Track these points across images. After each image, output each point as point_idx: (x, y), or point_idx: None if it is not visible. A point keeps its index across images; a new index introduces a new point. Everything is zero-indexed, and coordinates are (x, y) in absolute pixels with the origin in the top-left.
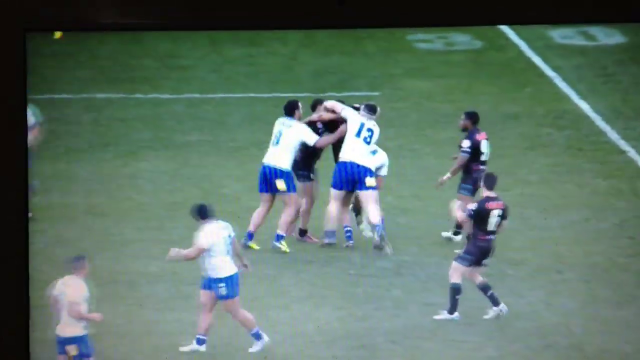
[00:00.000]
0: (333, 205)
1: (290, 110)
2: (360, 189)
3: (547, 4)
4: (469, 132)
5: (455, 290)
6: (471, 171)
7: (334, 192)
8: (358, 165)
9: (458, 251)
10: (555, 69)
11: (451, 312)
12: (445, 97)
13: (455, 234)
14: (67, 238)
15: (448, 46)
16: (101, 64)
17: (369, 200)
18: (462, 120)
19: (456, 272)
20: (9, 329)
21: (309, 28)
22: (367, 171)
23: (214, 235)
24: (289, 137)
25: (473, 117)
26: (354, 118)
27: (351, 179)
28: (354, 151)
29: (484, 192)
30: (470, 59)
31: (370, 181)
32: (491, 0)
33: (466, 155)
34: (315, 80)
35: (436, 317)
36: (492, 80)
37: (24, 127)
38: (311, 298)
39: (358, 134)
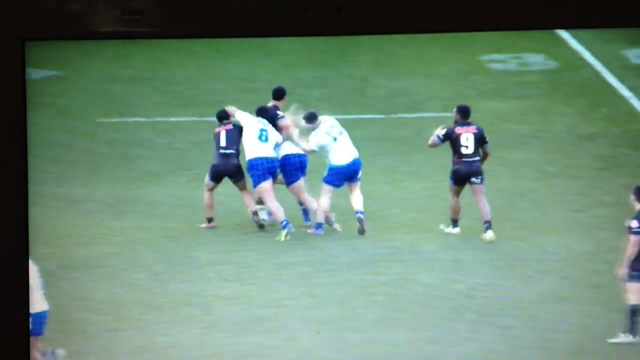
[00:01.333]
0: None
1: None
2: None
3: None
4: (453, 124)
5: (636, 312)
6: (453, 163)
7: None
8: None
9: (627, 271)
10: (631, 89)
11: (633, 334)
12: (520, 118)
13: (454, 227)
14: (142, 262)
15: (522, 66)
16: (175, 88)
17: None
18: (454, 114)
19: (634, 294)
20: (9, 330)
21: (307, 35)
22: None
23: None
24: (272, 135)
25: (462, 111)
26: (249, 123)
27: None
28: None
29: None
30: (545, 79)
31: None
32: (495, 6)
33: (435, 139)
34: (387, 102)
35: (612, 340)
36: (568, 100)
37: (23, 138)
38: (383, 320)
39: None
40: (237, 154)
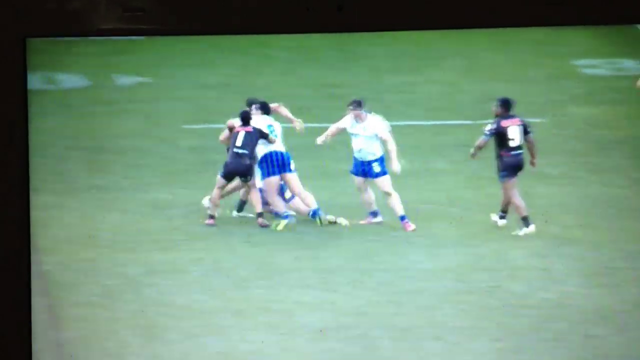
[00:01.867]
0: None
1: (268, 109)
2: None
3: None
4: (497, 118)
5: None
6: (501, 157)
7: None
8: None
9: None
10: None
11: None
12: (610, 123)
13: (501, 217)
14: (224, 266)
15: (616, 71)
16: (259, 95)
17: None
18: (494, 107)
19: None
20: (10, 332)
21: (308, 32)
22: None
23: None
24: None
25: (504, 103)
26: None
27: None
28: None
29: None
30: None
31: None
32: (495, 3)
33: (484, 139)
34: (476, 107)
35: None
36: None
37: (24, 136)
38: (467, 329)
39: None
40: (251, 156)
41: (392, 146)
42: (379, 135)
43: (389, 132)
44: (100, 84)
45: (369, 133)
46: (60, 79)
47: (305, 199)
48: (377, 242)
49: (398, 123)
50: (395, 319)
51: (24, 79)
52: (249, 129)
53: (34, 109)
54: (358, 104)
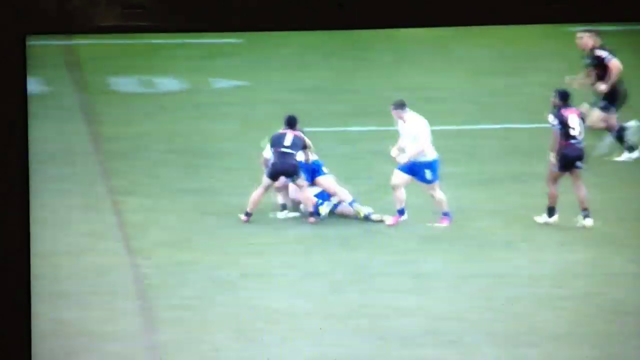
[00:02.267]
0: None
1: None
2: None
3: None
4: (556, 109)
5: None
6: (560, 147)
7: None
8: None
9: None
10: None
11: None
12: None
13: (585, 217)
14: (320, 271)
15: None
16: (355, 98)
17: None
18: (552, 98)
19: None
20: (10, 328)
21: (308, 30)
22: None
23: None
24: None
25: (562, 95)
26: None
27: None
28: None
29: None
30: None
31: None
32: (495, 1)
33: (556, 129)
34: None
35: None
36: None
37: (24, 132)
38: (564, 336)
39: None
40: (296, 155)
41: (418, 149)
42: (416, 135)
43: (427, 133)
44: (197, 87)
45: (412, 133)
46: (158, 83)
47: (341, 196)
48: (475, 247)
49: (496, 126)
50: (492, 325)
51: (23, 77)
52: (297, 133)
53: (131, 112)
54: (398, 105)
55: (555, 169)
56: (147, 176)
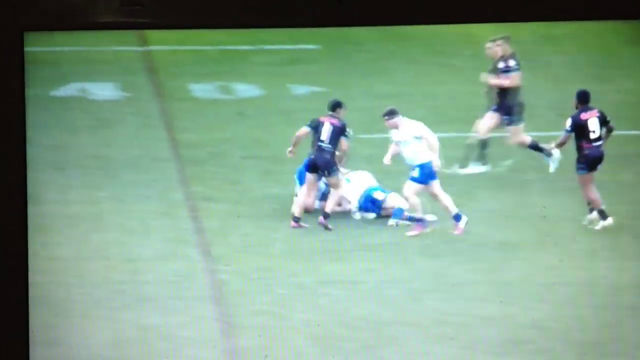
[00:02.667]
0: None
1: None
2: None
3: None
4: (577, 111)
5: None
6: (582, 149)
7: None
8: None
9: None
10: None
11: None
12: None
13: (591, 211)
14: (398, 277)
15: None
16: (435, 104)
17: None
18: (574, 101)
19: None
20: (8, 331)
21: (307, 26)
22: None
23: None
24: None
25: (581, 96)
26: None
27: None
28: None
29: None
30: None
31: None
32: None
33: (566, 134)
34: None
35: None
36: None
37: (22, 128)
38: None
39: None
40: (333, 150)
41: (434, 141)
42: (418, 136)
43: (425, 130)
44: (275, 93)
45: (413, 134)
46: (237, 89)
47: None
48: (557, 256)
49: None
50: (577, 334)
51: (22, 74)
52: (335, 121)
53: (210, 118)
54: (388, 113)
55: (584, 172)
56: (226, 182)
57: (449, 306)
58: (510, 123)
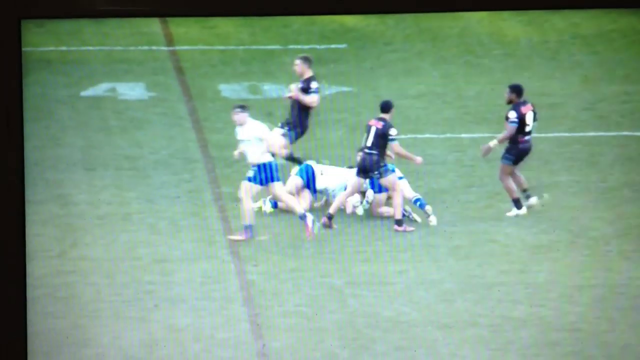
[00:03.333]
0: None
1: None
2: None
3: None
4: (515, 104)
5: None
6: (517, 142)
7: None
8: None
9: None
10: None
11: None
12: None
13: (528, 197)
14: (429, 279)
15: None
16: (466, 104)
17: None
18: (507, 94)
19: None
20: (6, 322)
21: (308, 14)
22: None
23: None
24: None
25: (517, 90)
26: None
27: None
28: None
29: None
30: None
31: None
32: None
33: (514, 126)
34: None
35: None
36: None
37: (19, 116)
38: None
39: None
40: (378, 152)
41: (274, 147)
42: (259, 137)
43: (267, 133)
44: None
45: (249, 137)
46: (266, 89)
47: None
48: (588, 257)
49: (612, 134)
50: (610, 336)
51: (18, 61)
52: (380, 124)
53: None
54: (240, 107)
55: (510, 163)
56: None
57: (480, 308)
58: (286, 135)
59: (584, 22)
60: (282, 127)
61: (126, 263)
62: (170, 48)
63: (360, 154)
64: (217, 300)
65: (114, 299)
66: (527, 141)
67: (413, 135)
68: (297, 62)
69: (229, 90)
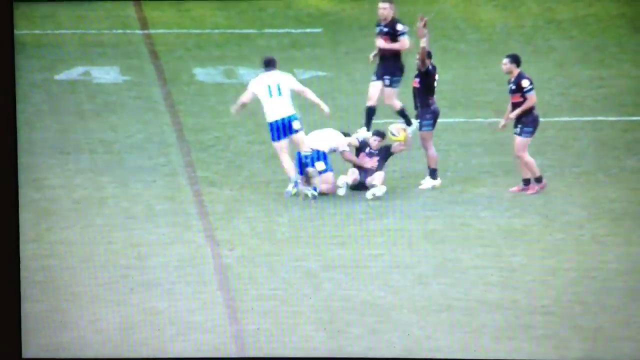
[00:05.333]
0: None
1: (273, 64)
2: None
3: None
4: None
5: None
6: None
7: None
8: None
9: None
10: None
11: None
12: None
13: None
14: (404, 263)
15: None
16: (443, 88)
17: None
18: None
19: None
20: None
21: None
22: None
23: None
24: (286, 87)
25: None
26: (257, 86)
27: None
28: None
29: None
30: None
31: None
32: None
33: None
34: None
35: None
36: None
37: (12, 99)
38: None
39: (270, 95)
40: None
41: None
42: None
43: None
44: None
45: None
46: (241, 73)
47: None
48: (562, 241)
49: (586, 118)
50: (583, 319)
51: (11, 42)
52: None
53: (214, 103)
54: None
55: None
56: (231, 167)
57: (455, 291)
58: (389, 85)
59: (559, 7)
60: (377, 78)
61: (102, 247)
62: (145, 31)
63: None
64: (192, 284)
65: (91, 282)
66: (435, 103)
67: (389, 120)
68: (386, 5)
69: (204, 74)
